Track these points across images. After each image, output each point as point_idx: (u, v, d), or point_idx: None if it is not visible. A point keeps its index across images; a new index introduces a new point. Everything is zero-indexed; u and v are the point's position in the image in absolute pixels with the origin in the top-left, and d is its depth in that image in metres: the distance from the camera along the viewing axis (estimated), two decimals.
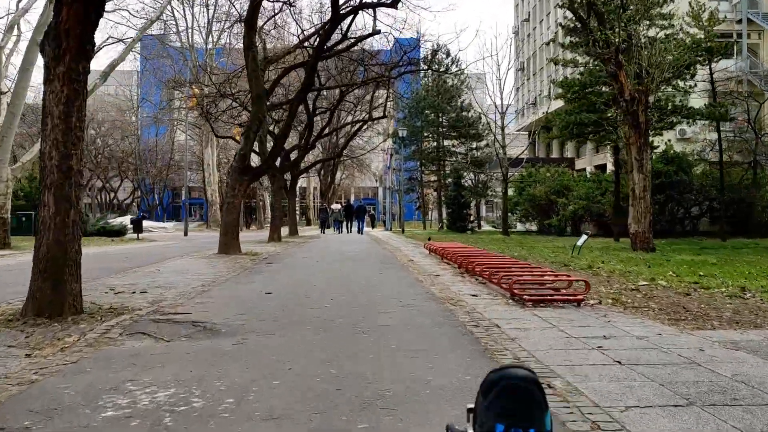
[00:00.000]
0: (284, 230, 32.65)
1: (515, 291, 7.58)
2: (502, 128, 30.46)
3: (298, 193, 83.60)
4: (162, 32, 42.45)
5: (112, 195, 61.10)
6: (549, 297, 7.58)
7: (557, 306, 7.34)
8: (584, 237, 15.85)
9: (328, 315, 6.69)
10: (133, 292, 8.64)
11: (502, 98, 30.56)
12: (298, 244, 22.73)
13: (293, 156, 25.55)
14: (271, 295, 8.32)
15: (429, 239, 25.39)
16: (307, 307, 7.32)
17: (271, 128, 28.55)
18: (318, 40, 15.85)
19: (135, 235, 27.86)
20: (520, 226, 45.96)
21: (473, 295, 8.28)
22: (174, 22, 43.82)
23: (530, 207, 35.79)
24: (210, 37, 42.76)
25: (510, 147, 56.76)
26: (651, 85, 15.16)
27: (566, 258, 14.78)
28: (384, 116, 25.94)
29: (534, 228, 39.82)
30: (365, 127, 59.40)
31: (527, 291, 7.97)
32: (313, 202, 69.91)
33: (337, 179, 61.76)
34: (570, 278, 8.77)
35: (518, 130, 49.01)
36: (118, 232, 29.44)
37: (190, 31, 43.13)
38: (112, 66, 21.44)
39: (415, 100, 46.89)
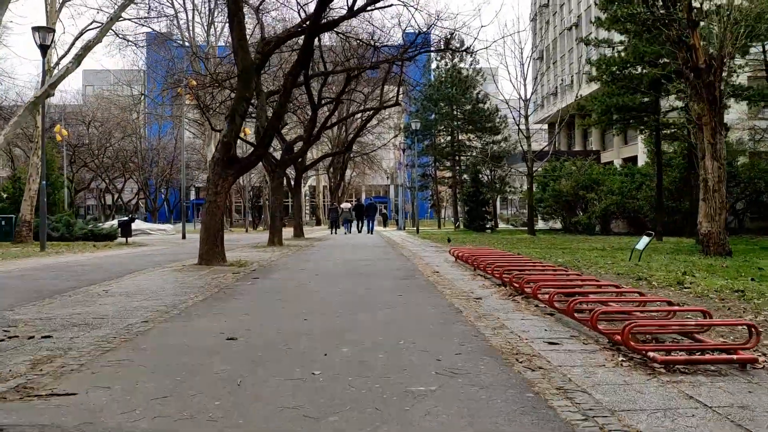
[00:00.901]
0: (289, 231, 29.66)
1: (635, 345, 4.47)
2: (526, 117, 27.28)
3: (307, 192, 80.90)
4: (168, 30, 39.69)
5: (116, 196, 58.43)
6: (697, 357, 4.47)
7: (708, 372, 4.25)
8: (646, 239, 12.70)
9: (315, 403, 3.63)
10: (31, 337, 5.65)
11: (525, 84, 27.38)
12: (301, 248, 19.70)
13: (295, 153, 22.51)
14: (235, 345, 5.28)
15: (448, 240, 22.27)
16: (282, 375, 4.26)
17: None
18: (318, 2, 12.77)
19: (124, 240, 24.95)
20: (542, 224, 42.70)
21: (551, 343, 5.20)
22: (175, 16, 40.97)
23: (555, 203, 32.63)
24: (212, 28, 39.88)
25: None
26: (731, 48, 11.99)
27: (629, 266, 11.64)
28: (397, 103, 22.85)
29: (557, 226, 36.62)
30: (376, 122, 56.36)
31: (642, 334, 4.90)
32: (323, 201, 66.97)
33: (347, 177, 58.78)
34: (717, 322, 5.52)
35: (537, 123, 45.72)
36: (108, 236, 26.57)
37: (191, 23, 40.31)
38: (87, 48, 18.52)
39: (428, 92, 43.80)
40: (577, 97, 26.92)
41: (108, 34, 24.54)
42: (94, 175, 52.14)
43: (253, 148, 12.76)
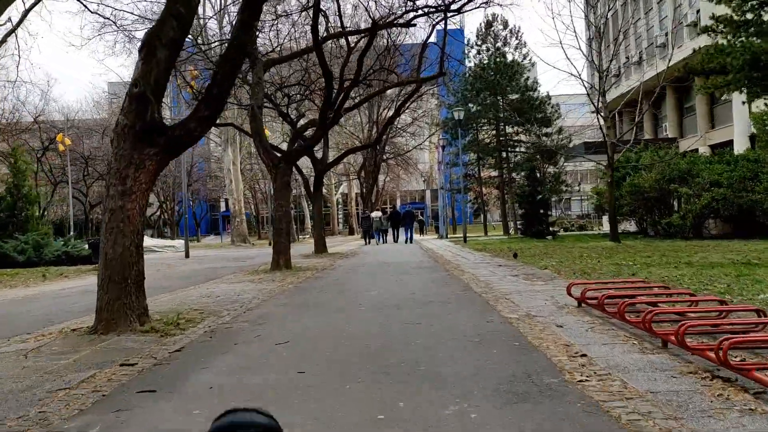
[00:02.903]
0: (309, 246, 23.63)
1: None
2: (603, 94, 20.71)
3: (339, 199, 75.00)
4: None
5: None
6: None
7: None
8: None
9: None
10: None
11: (600, 54, 20.80)
12: (316, 273, 13.56)
13: (307, 142, 16.40)
14: None
15: (515, 255, 15.88)
16: None
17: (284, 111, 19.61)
18: None
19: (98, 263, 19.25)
20: (608, 226, 35.77)
21: None
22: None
23: (633, 201, 25.86)
24: (227, 17, 34.27)
25: (578, 136, 46.53)
26: None
27: None
28: (441, 73, 16.54)
29: (631, 228, 29.80)
30: (410, 119, 50.20)
31: None
32: (356, 209, 61.04)
33: (380, 182, 52.71)
34: None
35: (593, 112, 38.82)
36: (87, 259, 20.94)
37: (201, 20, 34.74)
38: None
39: (469, 81, 37.44)
40: (668, 63, 20.21)
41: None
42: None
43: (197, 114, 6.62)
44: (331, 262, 17.32)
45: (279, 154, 14.83)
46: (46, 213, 44.83)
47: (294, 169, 25.55)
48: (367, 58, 17.70)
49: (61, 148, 37.92)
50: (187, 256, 25.31)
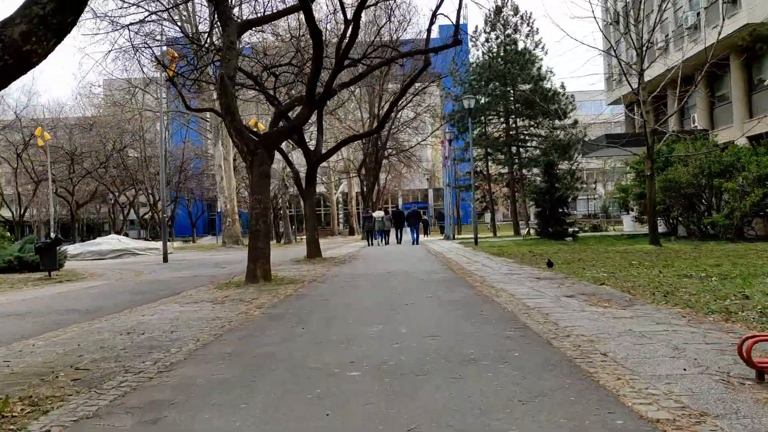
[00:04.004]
0: (301, 249, 20.39)
1: None
2: (641, 74, 17.38)
3: (340, 198, 71.48)
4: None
5: (127, 210, 50.19)
6: None
7: None
8: None
9: None
10: None
11: (641, 21, 17.42)
12: (296, 293, 10.19)
13: (291, 122, 13.07)
14: None
15: (550, 264, 12.57)
16: None
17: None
18: None
19: (47, 272, 15.86)
20: (629, 226, 32.47)
21: None
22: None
23: (667, 198, 22.54)
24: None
25: (593, 129, 43.22)
26: None
27: None
28: (457, 41, 13.20)
29: (660, 228, 26.47)
30: (413, 114, 46.87)
31: None
32: (357, 208, 57.75)
33: (381, 181, 49.45)
34: None
35: (611, 104, 35.56)
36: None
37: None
38: None
39: (477, 71, 34.14)
40: (719, 33, 16.86)
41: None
42: (98, 185, 43.85)
43: None
44: (323, 270, 14.02)
45: (256, 138, 11.54)
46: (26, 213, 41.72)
47: (284, 159, 22.24)
48: (367, 33, 14.46)
49: (40, 142, 34.65)
50: (165, 260, 22.03)
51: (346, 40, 11.78)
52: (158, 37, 19.20)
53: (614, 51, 18.26)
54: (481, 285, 9.62)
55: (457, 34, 13.32)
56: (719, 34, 17.15)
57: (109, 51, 24.39)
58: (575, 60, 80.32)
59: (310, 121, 29.10)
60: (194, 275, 15.26)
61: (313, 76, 11.16)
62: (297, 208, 55.37)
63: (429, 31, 15.06)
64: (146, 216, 52.45)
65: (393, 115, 40.34)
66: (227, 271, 15.64)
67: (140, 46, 14.38)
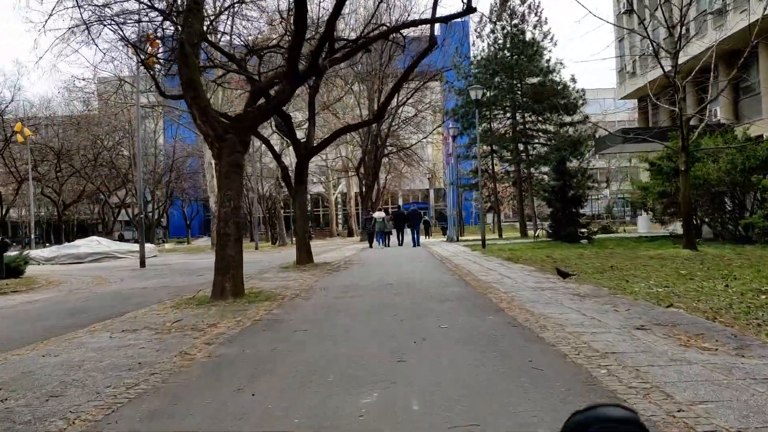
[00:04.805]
0: (290, 254, 18.05)
1: None
2: (676, 54, 15.01)
3: (339, 199, 69.03)
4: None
5: (118, 211, 47.77)
6: None
7: None
8: None
9: None
10: None
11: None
12: (270, 316, 7.75)
13: (270, 100, 10.66)
14: None
15: (564, 275, 10.28)
16: None
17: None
18: None
19: (2, 279, 13.50)
20: (643, 227, 30.15)
21: None
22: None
23: (695, 196, 20.17)
24: None
25: (605, 124, 40.78)
26: None
27: None
28: (471, 9, 10.83)
29: (676, 230, 24.11)
30: (413, 111, 44.49)
31: None
32: (356, 209, 55.37)
33: (381, 180, 47.09)
34: None
35: (624, 98, 33.19)
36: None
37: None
38: None
39: (482, 64, 31.79)
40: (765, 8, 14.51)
41: None
42: (86, 185, 41.43)
43: None
44: (311, 281, 11.67)
45: (226, 121, 9.18)
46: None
47: (270, 151, 19.78)
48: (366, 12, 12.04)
49: (20, 139, 32.33)
50: (142, 265, 19.67)
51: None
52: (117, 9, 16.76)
53: (645, 28, 15.80)
54: (510, 306, 7.26)
55: (470, 2, 10.96)
56: (764, 9, 14.77)
57: (69, 28, 21.77)
58: (584, 51, 77.79)
59: (303, 117, 26.75)
60: (163, 285, 12.91)
61: (296, 43, 8.79)
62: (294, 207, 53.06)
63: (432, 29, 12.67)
64: (138, 217, 50.03)
65: (393, 110, 38.00)
66: (203, 281, 13.26)
67: (94, 21, 11.93)
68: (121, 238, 59.53)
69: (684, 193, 16.40)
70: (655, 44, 15.29)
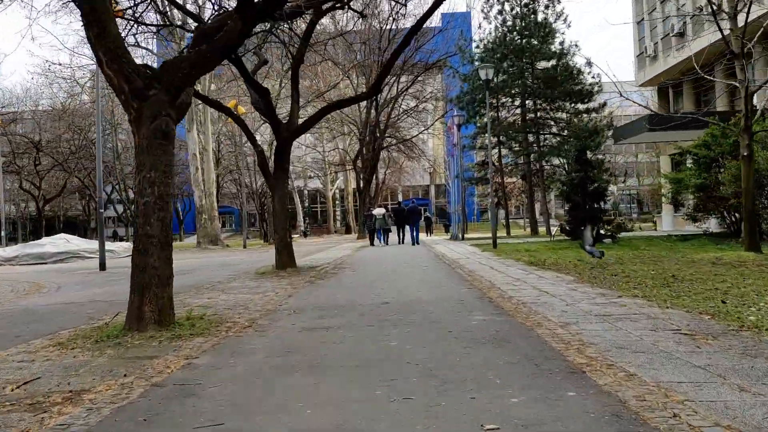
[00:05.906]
0: (268, 255, 15.03)
1: None
2: (734, 16, 12.01)
3: (336, 194, 65.88)
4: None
5: (105, 206, 44.66)
6: None
7: None
8: None
9: None
10: None
11: None
12: (185, 377, 4.68)
13: (217, 40, 7.51)
14: None
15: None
16: None
17: None
18: None
19: None
20: (669, 223, 27.15)
21: None
22: None
23: (739, 190, 17.14)
24: None
25: (619, 117, 37.76)
26: None
27: None
28: None
29: (711, 228, 21.15)
30: (414, 103, 41.44)
31: None
32: (354, 205, 52.36)
33: (380, 175, 44.13)
34: None
35: (643, 85, 30.14)
36: None
37: None
38: None
39: (489, 47, 28.77)
40: None
41: None
42: (67, 178, 38.41)
43: None
44: (284, 294, 8.66)
45: (148, 71, 6.18)
46: None
47: (242, 129, 16.76)
48: None
49: None
50: (102, 268, 16.67)
51: None
52: None
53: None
54: (590, 360, 4.22)
55: None
56: None
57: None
58: (598, 37, 74.09)
59: (285, 94, 23.57)
60: (100, 299, 9.89)
61: None
62: (290, 202, 50.03)
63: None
64: (124, 214, 47.01)
65: (393, 99, 34.91)
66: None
67: None
68: (115, 236, 56.57)
69: (746, 186, 13.42)
70: (713, 4, 12.23)
